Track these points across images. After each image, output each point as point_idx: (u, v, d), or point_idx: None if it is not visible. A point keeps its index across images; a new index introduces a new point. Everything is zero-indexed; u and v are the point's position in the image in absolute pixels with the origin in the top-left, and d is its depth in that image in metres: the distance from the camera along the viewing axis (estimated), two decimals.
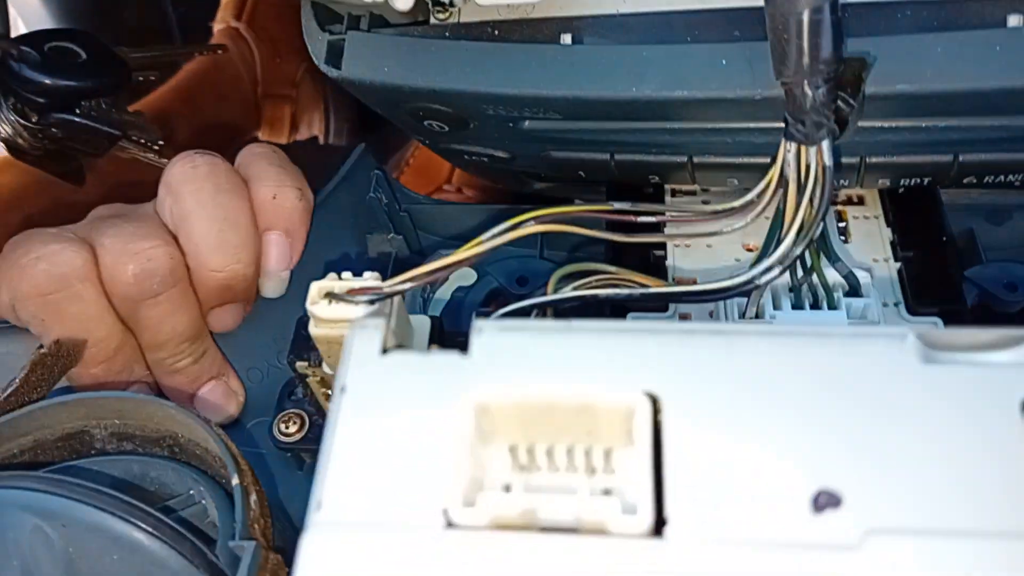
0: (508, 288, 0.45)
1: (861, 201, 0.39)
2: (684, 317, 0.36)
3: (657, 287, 0.31)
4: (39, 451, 0.34)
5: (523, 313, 0.29)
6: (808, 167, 0.28)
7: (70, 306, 0.35)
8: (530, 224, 0.29)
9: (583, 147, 0.38)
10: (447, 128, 0.39)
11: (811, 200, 0.28)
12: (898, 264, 0.37)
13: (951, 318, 0.35)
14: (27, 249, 0.36)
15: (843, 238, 0.38)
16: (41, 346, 0.34)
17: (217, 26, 0.71)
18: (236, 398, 0.40)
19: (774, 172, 0.29)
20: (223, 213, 0.36)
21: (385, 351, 0.23)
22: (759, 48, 0.30)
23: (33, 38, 0.48)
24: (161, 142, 0.54)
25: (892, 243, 0.37)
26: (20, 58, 0.47)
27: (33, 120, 0.48)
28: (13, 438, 0.33)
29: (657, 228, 0.36)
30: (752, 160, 0.36)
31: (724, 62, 0.31)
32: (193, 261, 0.36)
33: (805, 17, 0.25)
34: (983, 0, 0.29)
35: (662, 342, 0.22)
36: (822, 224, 0.29)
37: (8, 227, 0.50)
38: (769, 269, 0.29)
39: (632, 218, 0.30)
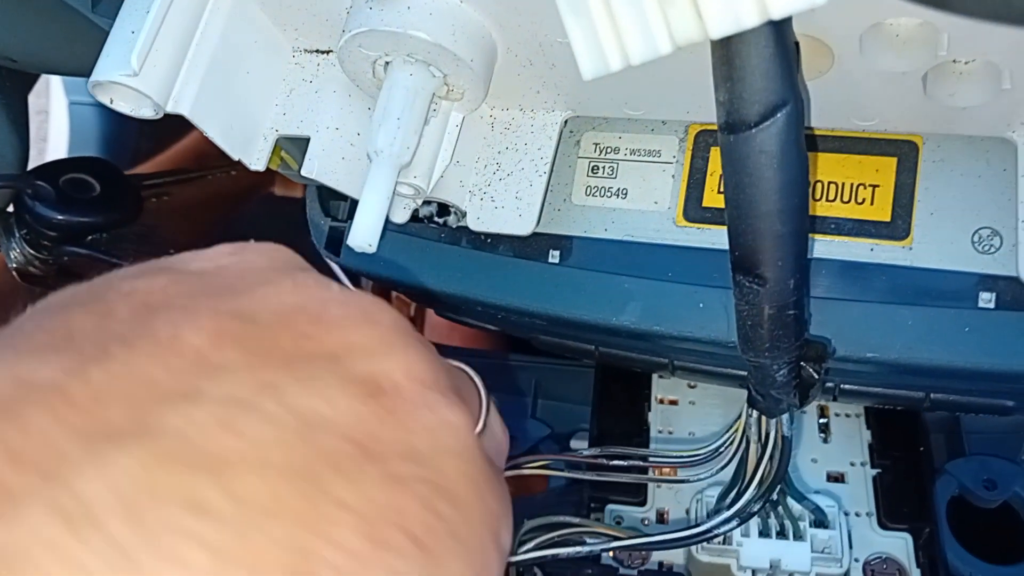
0: None
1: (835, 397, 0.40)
2: (662, 514, 0.37)
3: (624, 538, 0.32)
4: None
5: None
6: (768, 434, 0.29)
7: None
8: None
9: (569, 338, 0.39)
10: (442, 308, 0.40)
11: (771, 460, 0.29)
12: (875, 471, 0.37)
13: (920, 535, 0.35)
14: None
15: (823, 436, 0.39)
16: None
17: None
18: None
19: (738, 427, 0.30)
20: None
21: None
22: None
23: (49, 170, 0.50)
24: (171, 251, 0.55)
25: (870, 446, 0.38)
26: (35, 194, 0.48)
27: (44, 250, 0.50)
28: None
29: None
30: (730, 371, 0.36)
31: (701, 305, 0.32)
32: None
33: (767, 312, 0.26)
34: (958, 272, 0.30)
35: None
36: (779, 485, 0.30)
37: None
38: (727, 521, 0.29)
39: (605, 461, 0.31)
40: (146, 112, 0.29)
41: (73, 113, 0.92)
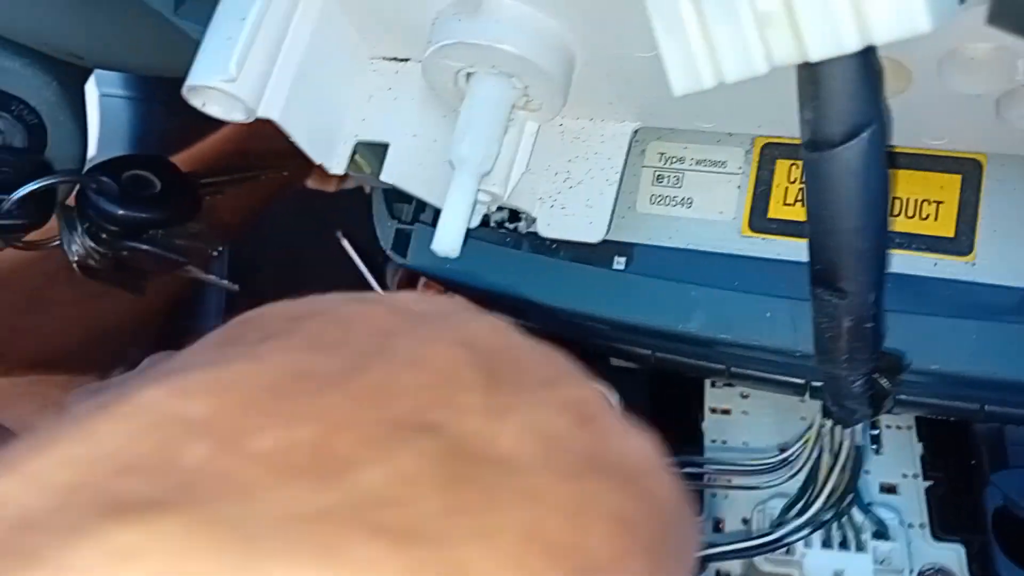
0: None
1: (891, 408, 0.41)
2: (718, 523, 0.38)
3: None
4: None
5: None
6: (842, 444, 0.29)
7: None
8: None
9: (627, 343, 0.40)
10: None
11: (843, 469, 0.30)
12: (927, 483, 0.38)
13: (972, 546, 0.36)
14: None
15: (875, 447, 0.39)
16: None
17: None
18: None
19: (810, 437, 0.30)
20: None
21: None
22: (802, 307, 0.32)
23: (112, 167, 0.51)
24: (220, 248, 0.56)
25: (922, 458, 0.39)
26: (99, 190, 0.49)
27: (104, 244, 0.51)
28: None
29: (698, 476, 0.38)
30: (788, 379, 0.37)
31: (768, 314, 0.32)
32: None
33: (845, 325, 0.27)
34: (1020, 289, 0.30)
35: None
36: (851, 494, 0.30)
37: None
38: (799, 529, 0.30)
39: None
40: (237, 116, 0.30)
41: (104, 105, 0.93)
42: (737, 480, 0.34)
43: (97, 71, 0.86)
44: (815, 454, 0.30)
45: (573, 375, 0.16)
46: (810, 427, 0.30)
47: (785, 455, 0.31)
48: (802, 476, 0.31)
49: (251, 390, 0.13)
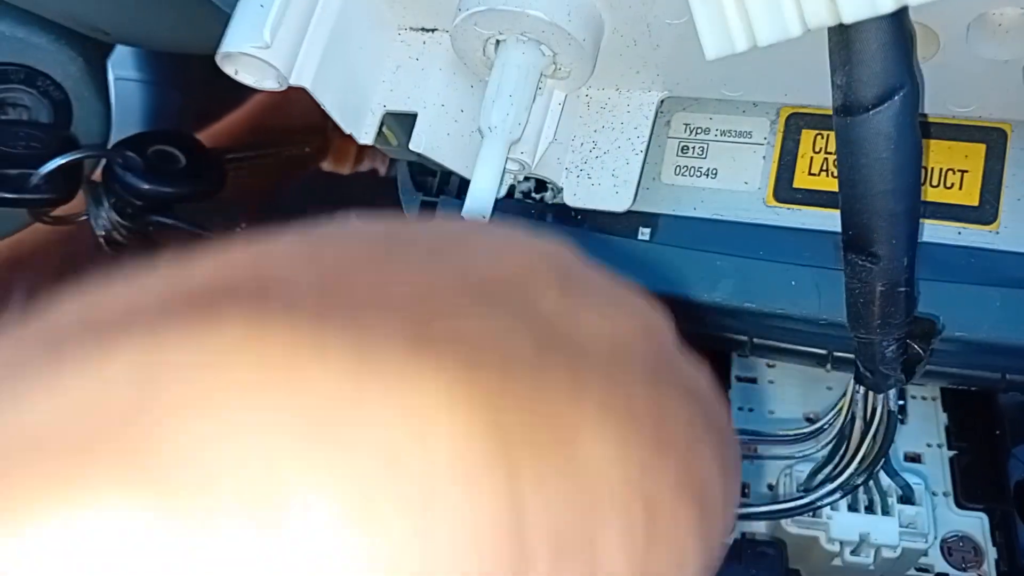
0: None
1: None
2: (743, 488, 0.38)
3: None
4: None
5: None
6: (875, 410, 0.30)
7: None
8: None
9: None
10: None
11: (875, 436, 0.30)
12: (951, 452, 0.38)
13: (995, 515, 0.36)
14: None
15: (900, 417, 0.40)
16: None
17: None
18: None
19: (843, 405, 0.30)
20: None
21: None
22: (827, 275, 0.32)
23: (137, 142, 0.51)
24: (243, 225, 0.57)
25: (947, 428, 0.39)
26: (125, 165, 0.50)
27: (130, 219, 0.51)
28: None
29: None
30: (810, 349, 0.37)
31: (793, 283, 0.33)
32: None
33: (879, 290, 0.27)
34: None
35: None
36: (883, 459, 0.31)
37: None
38: (830, 494, 0.30)
39: None
40: (269, 84, 0.30)
41: (118, 88, 0.93)
42: (769, 450, 0.35)
43: (113, 56, 0.86)
44: (847, 420, 0.30)
45: (638, 295, 0.17)
46: (843, 396, 0.30)
47: (819, 425, 0.31)
48: (831, 442, 0.32)
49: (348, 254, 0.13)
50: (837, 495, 0.30)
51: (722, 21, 0.23)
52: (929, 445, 0.38)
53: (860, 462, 0.30)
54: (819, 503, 0.30)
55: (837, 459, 0.31)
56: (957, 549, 0.35)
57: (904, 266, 0.26)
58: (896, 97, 0.24)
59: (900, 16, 0.24)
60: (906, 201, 0.25)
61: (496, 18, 0.30)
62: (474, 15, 0.30)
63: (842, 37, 0.24)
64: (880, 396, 0.29)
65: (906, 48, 0.24)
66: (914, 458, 0.38)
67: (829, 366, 0.37)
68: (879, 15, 0.22)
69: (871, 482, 0.34)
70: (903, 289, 0.26)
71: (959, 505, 0.36)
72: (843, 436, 0.31)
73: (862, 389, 0.30)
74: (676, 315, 0.40)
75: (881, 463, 0.31)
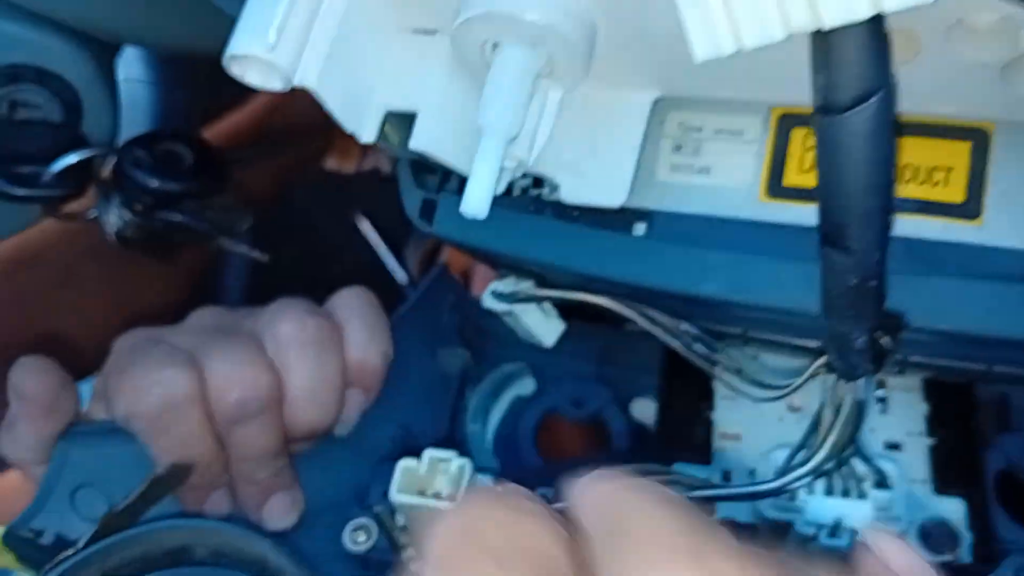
0: (563, 408, 0.48)
1: (902, 370, 0.42)
2: (727, 474, 0.39)
3: (706, 487, 0.34)
4: (146, 563, 0.38)
5: None
6: (844, 398, 0.31)
7: (178, 427, 0.39)
8: None
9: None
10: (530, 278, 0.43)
11: (845, 422, 0.31)
12: (931, 440, 0.39)
13: (974, 502, 0.38)
14: (144, 371, 0.40)
15: (881, 406, 0.41)
16: (158, 469, 0.39)
17: None
18: (298, 508, 0.43)
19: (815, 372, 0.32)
20: (321, 375, 0.40)
21: None
22: (817, 270, 0.33)
23: (146, 140, 0.52)
24: (250, 223, 0.58)
25: (927, 417, 0.40)
26: (134, 162, 0.51)
27: (139, 215, 0.53)
28: (125, 550, 0.38)
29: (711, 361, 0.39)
30: (802, 342, 0.39)
31: (785, 277, 0.34)
32: (287, 407, 0.40)
33: (852, 282, 0.28)
34: None
35: None
36: (852, 445, 0.32)
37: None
38: (801, 478, 0.32)
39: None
40: (275, 84, 0.31)
41: (126, 89, 0.95)
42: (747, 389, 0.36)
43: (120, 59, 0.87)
44: (820, 407, 0.32)
45: None
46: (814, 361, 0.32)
47: (790, 389, 0.33)
48: (805, 426, 0.33)
49: None
50: (807, 479, 0.31)
51: (709, 24, 0.25)
52: (909, 433, 0.40)
53: (831, 448, 0.31)
54: (790, 486, 0.31)
55: (810, 444, 0.32)
56: (935, 534, 0.36)
57: (875, 261, 0.27)
58: (872, 99, 0.25)
59: (877, 21, 0.25)
60: (880, 199, 0.26)
61: (494, 21, 0.31)
62: (473, 19, 0.31)
63: (822, 40, 0.26)
64: (849, 385, 0.30)
65: (883, 52, 0.26)
66: (894, 446, 0.39)
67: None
68: (858, 20, 0.23)
69: (847, 468, 0.35)
70: (874, 283, 0.27)
71: (937, 492, 0.38)
72: (815, 422, 0.32)
73: (832, 378, 0.31)
74: (671, 309, 0.41)
75: (850, 450, 0.32)
